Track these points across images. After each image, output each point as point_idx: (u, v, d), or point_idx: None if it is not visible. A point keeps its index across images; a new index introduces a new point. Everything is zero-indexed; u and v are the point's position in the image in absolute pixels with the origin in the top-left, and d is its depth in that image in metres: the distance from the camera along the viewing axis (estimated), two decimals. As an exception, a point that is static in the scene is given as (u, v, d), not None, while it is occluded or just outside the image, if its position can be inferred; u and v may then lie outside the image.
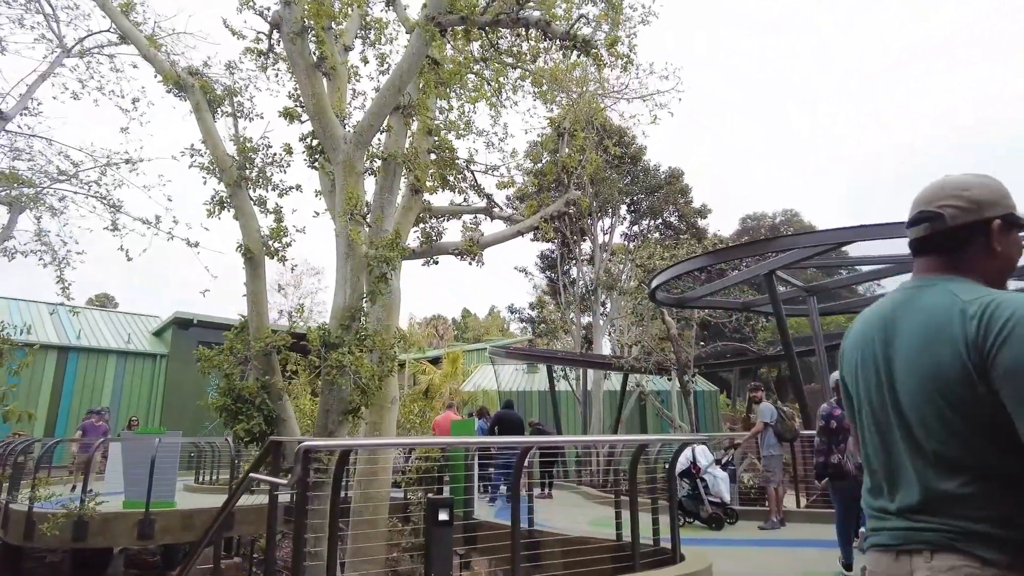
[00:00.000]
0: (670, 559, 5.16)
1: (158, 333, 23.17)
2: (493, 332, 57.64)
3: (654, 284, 12.96)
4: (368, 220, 7.85)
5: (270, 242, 8.11)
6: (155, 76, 8.92)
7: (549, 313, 26.16)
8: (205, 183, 8.53)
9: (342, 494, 10.41)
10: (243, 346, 7.70)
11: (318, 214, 7.82)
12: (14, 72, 20.75)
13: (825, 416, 5.91)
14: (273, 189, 8.19)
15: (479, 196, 10.78)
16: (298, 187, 8.24)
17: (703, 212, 24.29)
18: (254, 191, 8.33)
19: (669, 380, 15.15)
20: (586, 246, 25.24)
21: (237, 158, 8.29)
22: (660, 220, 24.13)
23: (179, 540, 9.47)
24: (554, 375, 20.52)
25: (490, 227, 11.59)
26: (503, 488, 12.56)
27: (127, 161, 13.06)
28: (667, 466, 5.32)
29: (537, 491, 13.18)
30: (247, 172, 8.24)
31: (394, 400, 9.01)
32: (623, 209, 24.93)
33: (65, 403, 20.51)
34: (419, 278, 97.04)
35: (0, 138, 11.59)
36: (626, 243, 25.58)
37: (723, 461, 9.75)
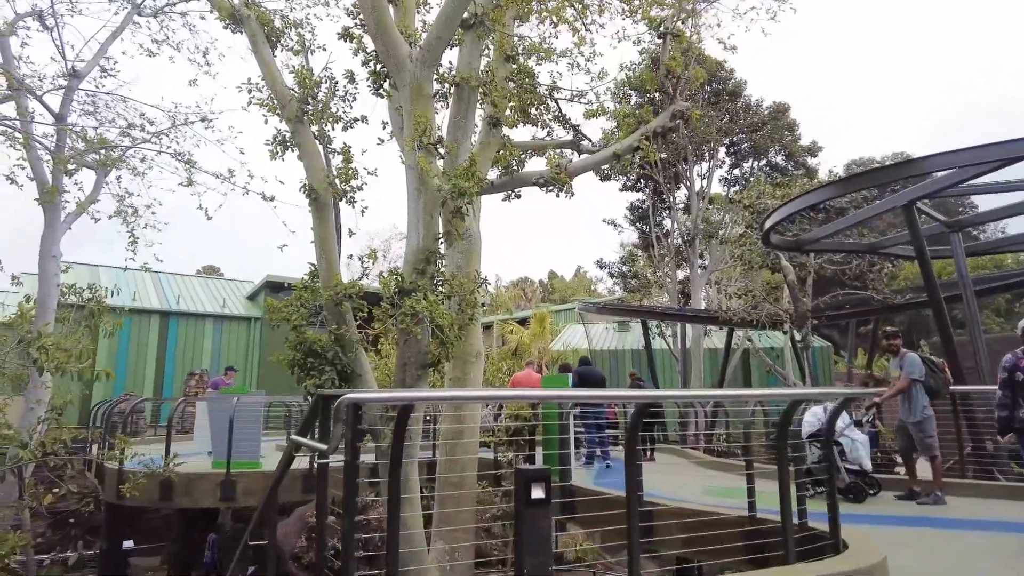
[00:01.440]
0: (830, 546, 3.99)
1: (251, 297, 23.63)
2: (580, 293, 56.41)
3: (769, 223, 11.38)
4: (440, 151, 6.89)
5: (337, 182, 7.33)
6: (211, 12, 8.29)
7: (641, 267, 24.65)
8: (267, 122, 7.83)
9: (427, 456, 9.87)
10: (312, 295, 7.01)
11: (382, 141, 6.92)
12: (89, 32, 21.05)
13: (1009, 367, 5.32)
14: (336, 122, 7.35)
15: (564, 128, 9.59)
16: (363, 118, 7.36)
17: (813, 150, 21.81)
18: (317, 127, 7.56)
19: (785, 333, 13.52)
20: (680, 195, 23.43)
21: (297, 91, 7.52)
22: (764, 161, 21.90)
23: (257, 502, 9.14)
24: (649, 332, 19.21)
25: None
26: (598, 451, 11.60)
27: (202, 119, 12.80)
28: (822, 425, 4.13)
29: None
30: (308, 107, 7.46)
31: (479, 354, 8.16)
32: (721, 152, 22.83)
33: (169, 365, 21.32)
34: (503, 233, 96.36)
35: (76, 96, 11.48)
36: (726, 189, 23.53)
37: (864, 421, 8.28)
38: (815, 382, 16.34)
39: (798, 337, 13.41)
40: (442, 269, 6.79)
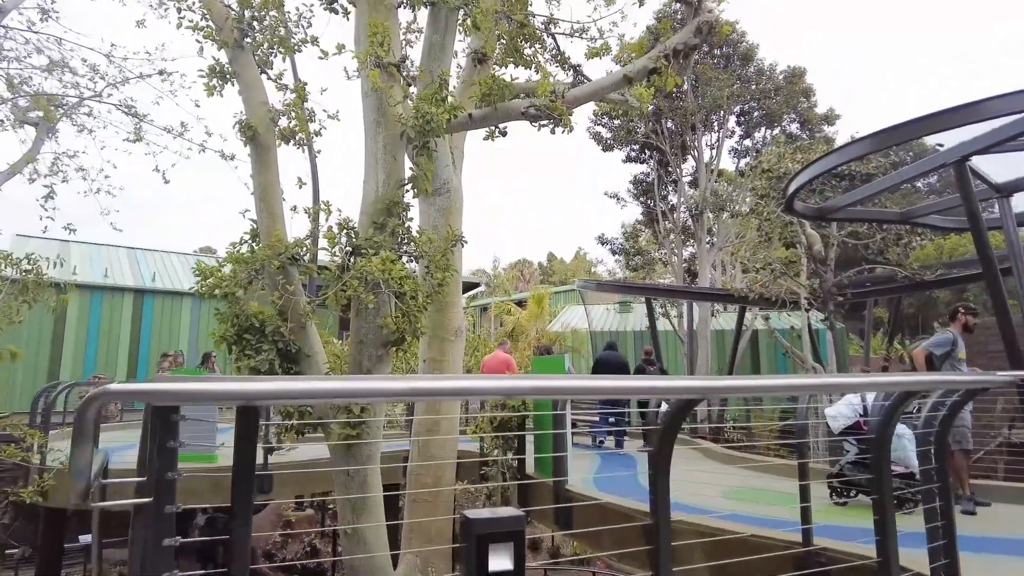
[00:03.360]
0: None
1: (233, 274, 22.34)
2: (580, 275, 55.15)
3: (794, 186, 10.03)
4: (405, 75, 5.55)
5: (283, 119, 6.01)
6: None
7: (646, 243, 23.31)
8: (202, 51, 6.47)
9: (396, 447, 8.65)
10: (252, 258, 5.71)
11: (326, 55, 5.55)
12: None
13: None
14: (281, 46, 5.98)
15: (563, 69, 8.24)
16: (314, 40, 5.99)
17: (830, 117, 20.37)
18: (260, 53, 6.21)
19: (807, 311, 12.22)
20: (687, 167, 22.03)
21: (236, 9, 6.16)
22: (778, 130, 20.47)
23: (208, 503, 7.90)
24: (654, 312, 17.92)
25: (579, 111, 8.96)
26: (605, 442, 10.38)
27: (160, 73, 11.42)
28: (859, 417, 2.91)
29: (641, 443, 10.94)
30: (248, 28, 6.11)
31: (459, 332, 6.88)
32: (731, 121, 21.38)
33: (144, 346, 20.10)
34: (500, 213, 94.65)
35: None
36: (736, 160, 22.11)
37: (914, 412, 7.00)
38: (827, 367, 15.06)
39: (821, 316, 12.14)
40: (409, 225, 5.49)
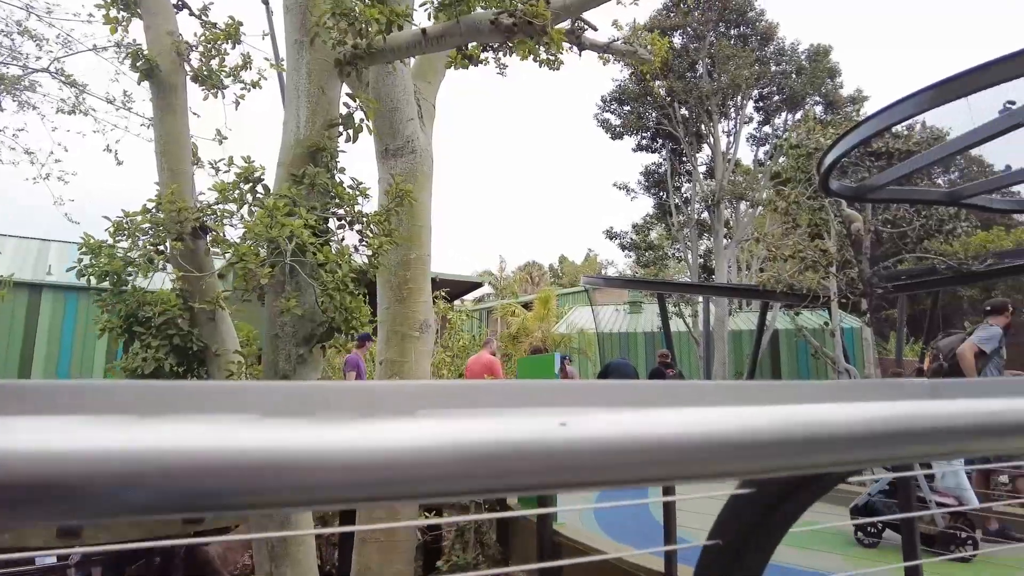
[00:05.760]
0: None
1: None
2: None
3: (831, 158, 8.61)
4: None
5: (192, 55, 4.71)
6: None
7: (659, 238, 21.89)
8: (100, -26, 5.19)
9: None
10: (150, 227, 4.39)
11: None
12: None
13: None
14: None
15: None
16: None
17: (858, 99, 18.88)
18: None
19: (843, 305, 10.76)
20: (702, 156, 20.61)
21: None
22: (800, 113, 18.99)
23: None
24: (667, 310, 16.52)
25: (574, 59, 7.47)
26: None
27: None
28: None
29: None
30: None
31: (426, 327, 5.52)
32: (749, 107, 19.93)
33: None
34: (511, 215, 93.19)
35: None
36: (754, 149, 20.66)
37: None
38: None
39: (862, 309, 10.71)
40: (346, 184, 4.15)
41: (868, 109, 22.55)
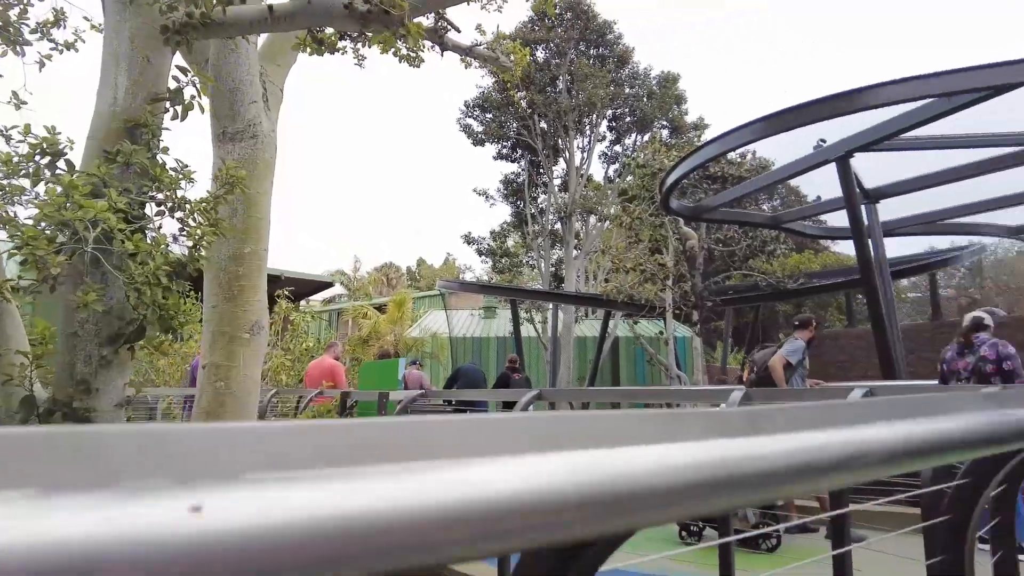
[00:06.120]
0: None
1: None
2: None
3: (672, 178, 9.22)
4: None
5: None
6: None
7: (515, 246, 22.34)
8: None
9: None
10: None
11: None
12: None
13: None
14: None
15: None
16: None
17: (700, 126, 20.59)
18: None
19: (676, 315, 11.56)
20: (558, 169, 21.35)
21: None
22: (648, 136, 20.34)
23: None
24: (519, 316, 16.88)
25: (438, 60, 7.36)
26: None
27: None
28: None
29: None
30: None
31: (258, 329, 5.08)
32: (603, 125, 20.98)
33: None
34: (367, 212, 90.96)
35: None
36: (605, 167, 21.76)
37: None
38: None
39: (693, 320, 11.61)
40: (170, 167, 3.68)
41: (708, 135, 24.65)
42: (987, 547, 1.68)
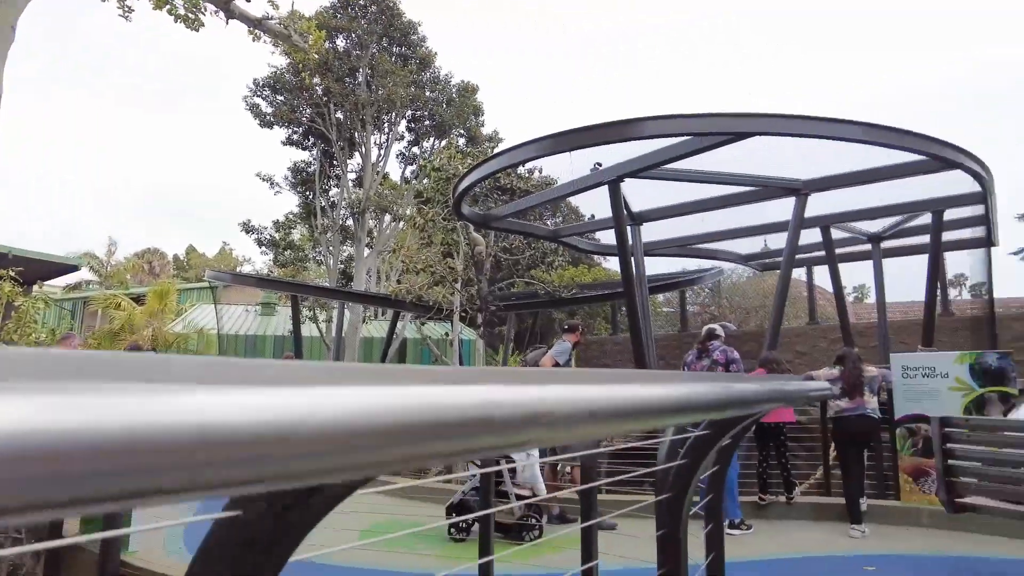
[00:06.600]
0: None
1: None
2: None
3: (464, 184, 9.41)
4: None
5: None
6: None
7: (302, 239, 21.18)
8: None
9: None
10: None
11: None
12: None
13: None
14: None
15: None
16: None
17: (495, 139, 21.33)
18: None
19: (462, 318, 11.82)
20: (353, 163, 20.70)
21: None
22: (445, 142, 20.59)
23: None
24: (300, 314, 16.01)
25: (222, 28, 6.57)
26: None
27: None
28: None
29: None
30: None
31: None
32: (402, 125, 20.84)
33: None
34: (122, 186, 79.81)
35: None
36: (402, 167, 21.62)
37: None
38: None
39: (478, 323, 11.92)
40: None
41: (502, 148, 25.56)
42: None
